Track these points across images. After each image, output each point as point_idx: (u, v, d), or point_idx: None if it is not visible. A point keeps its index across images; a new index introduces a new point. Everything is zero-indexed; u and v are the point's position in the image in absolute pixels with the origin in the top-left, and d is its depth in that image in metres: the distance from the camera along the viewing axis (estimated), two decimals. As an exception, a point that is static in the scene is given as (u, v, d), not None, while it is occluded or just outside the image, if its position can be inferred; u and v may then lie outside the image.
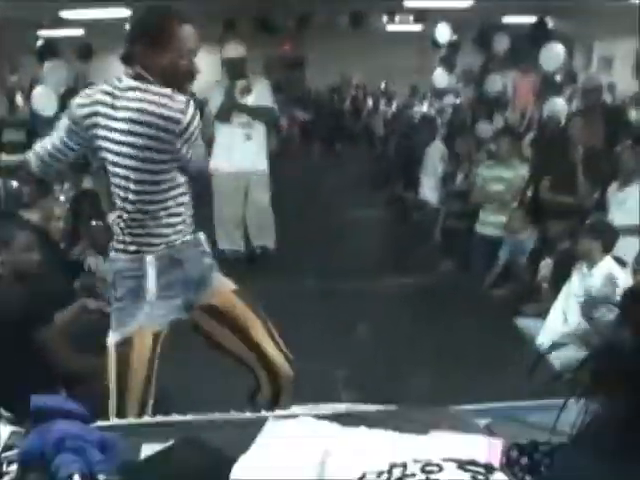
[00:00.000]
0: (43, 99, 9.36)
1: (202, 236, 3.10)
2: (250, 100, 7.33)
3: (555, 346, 4.83)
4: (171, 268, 2.95)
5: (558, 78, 10.67)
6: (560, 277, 5.74)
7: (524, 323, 5.85)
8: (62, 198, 8.20)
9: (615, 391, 0.68)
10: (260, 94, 7.38)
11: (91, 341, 3.86)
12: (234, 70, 7.38)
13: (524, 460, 1.07)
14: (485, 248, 7.45)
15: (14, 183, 8.91)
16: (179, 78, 2.89)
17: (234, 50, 7.42)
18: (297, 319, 5.41)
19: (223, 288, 3.19)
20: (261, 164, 7.55)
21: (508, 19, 13.54)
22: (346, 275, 7.14)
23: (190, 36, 2.88)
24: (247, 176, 7.50)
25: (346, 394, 4.54)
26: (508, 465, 1.09)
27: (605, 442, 0.76)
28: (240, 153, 7.40)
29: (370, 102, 17.64)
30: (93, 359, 3.84)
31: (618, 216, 6.17)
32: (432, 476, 1.55)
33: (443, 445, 1.78)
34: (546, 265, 6.27)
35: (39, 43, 10.08)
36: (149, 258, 2.90)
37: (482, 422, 2.18)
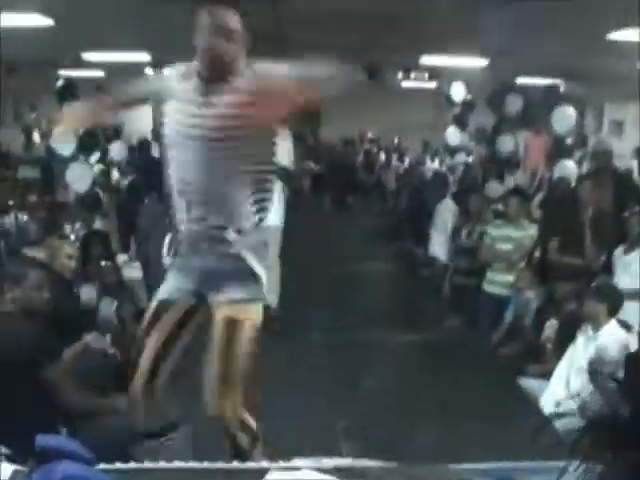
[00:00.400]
0: (62, 138, 9.47)
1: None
2: None
3: (557, 415, 4.83)
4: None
5: (569, 141, 10.76)
6: (565, 338, 5.74)
7: (528, 383, 5.83)
8: (72, 237, 8.27)
9: (613, 459, 0.70)
10: (281, 154, 7.05)
11: (92, 380, 3.90)
12: None
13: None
14: (492, 306, 7.47)
15: (24, 217, 8.99)
16: None
17: None
18: (303, 373, 5.43)
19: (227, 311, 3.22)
20: (276, 219, 7.32)
21: (522, 80, 13.70)
22: (353, 329, 7.16)
23: None
24: None
25: (350, 446, 4.52)
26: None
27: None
28: None
29: (383, 157, 17.76)
30: (95, 399, 3.86)
31: (623, 279, 6.20)
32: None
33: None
34: (551, 326, 6.27)
35: (59, 83, 10.17)
36: None
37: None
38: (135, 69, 15.11)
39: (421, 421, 5.01)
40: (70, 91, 9.86)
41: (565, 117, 9.98)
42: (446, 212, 9.05)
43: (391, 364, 6.48)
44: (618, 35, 8.75)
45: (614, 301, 5.42)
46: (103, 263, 6.89)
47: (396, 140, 19.69)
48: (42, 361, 3.59)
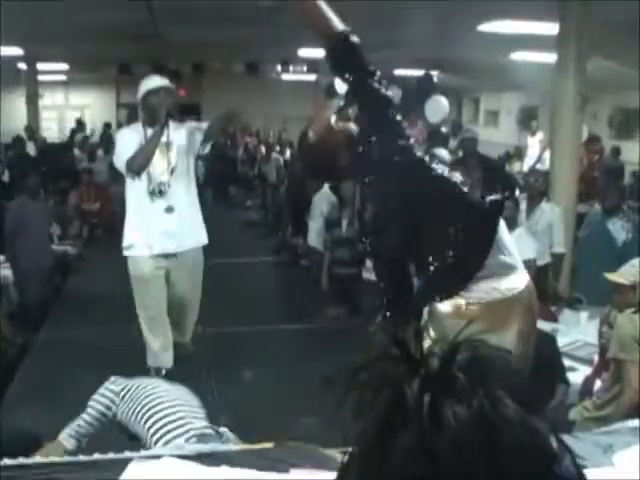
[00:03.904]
0: None
1: None
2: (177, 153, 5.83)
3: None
4: None
5: (444, 130, 11.03)
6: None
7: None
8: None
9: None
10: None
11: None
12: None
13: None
14: (372, 293, 7.57)
15: None
16: None
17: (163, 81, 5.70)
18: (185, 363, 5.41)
19: None
20: None
21: (399, 71, 13.97)
22: (234, 320, 7.15)
23: None
24: None
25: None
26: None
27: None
28: None
29: (264, 149, 17.77)
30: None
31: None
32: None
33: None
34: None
35: None
36: None
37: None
38: (7, 63, 14.71)
39: (304, 407, 5.02)
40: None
41: (438, 107, 10.22)
42: (322, 202, 9.10)
43: (274, 353, 6.50)
44: (490, 27, 9.01)
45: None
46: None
47: (277, 132, 19.75)
48: None
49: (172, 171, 5.32)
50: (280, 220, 11.86)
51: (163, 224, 5.30)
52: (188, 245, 5.46)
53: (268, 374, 5.90)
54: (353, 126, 3.05)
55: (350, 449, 0.73)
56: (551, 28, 7.66)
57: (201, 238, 5.57)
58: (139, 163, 5.16)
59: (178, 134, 5.43)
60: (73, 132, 18.44)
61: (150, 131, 5.24)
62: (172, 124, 5.35)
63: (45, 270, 8.02)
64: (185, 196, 5.44)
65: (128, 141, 5.28)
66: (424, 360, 0.71)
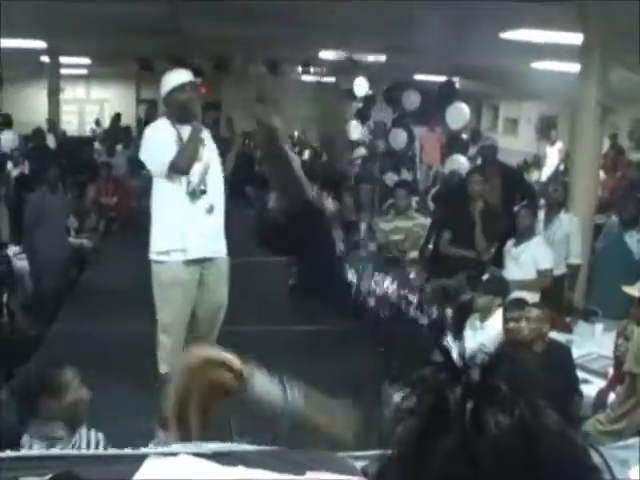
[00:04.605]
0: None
1: None
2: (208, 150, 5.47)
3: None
4: None
5: (464, 136, 11.02)
6: (459, 327, 5.90)
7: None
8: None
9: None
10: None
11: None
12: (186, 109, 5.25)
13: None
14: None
15: None
16: None
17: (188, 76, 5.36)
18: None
19: None
20: None
21: (419, 77, 13.95)
22: (246, 319, 7.14)
23: None
24: None
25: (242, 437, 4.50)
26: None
27: None
28: None
29: (282, 149, 17.80)
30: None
31: (513, 271, 6.40)
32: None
33: (316, 484, 1.82)
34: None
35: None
36: None
37: (358, 464, 2.23)
38: (30, 56, 14.79)
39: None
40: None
41: (459, 114, 10.21)
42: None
43: (285, 354, 6.49)
44: (512, 35, 8.98)
45: (504, 293, 5.59)
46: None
47: (296, 133, 19.78)
48: None
49: (208, 169, 5.15)
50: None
51: (203, 225, 5.13)
52: (223, 247, 5.33)
53: (278, 374, 5.88)
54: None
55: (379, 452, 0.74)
56: (574, 38, 7.63)
57: (225, 246, 5.41)
58: (185, 164, 5.00)
59: (206, 131, 5.29)
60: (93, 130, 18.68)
61: (182, 128, 5.09)
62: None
63: (61, 262, 8.05)
64: (221, 194, 5.28)
65: (162, 140, 5.08)
66: (466, 369, 0.72)
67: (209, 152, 5.21)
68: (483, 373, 0.71)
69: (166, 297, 5.14)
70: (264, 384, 2.12)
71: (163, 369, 5.05)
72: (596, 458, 0.69)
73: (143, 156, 5.23)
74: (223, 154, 5.33)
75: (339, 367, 5.96)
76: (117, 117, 18.21)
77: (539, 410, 0.68)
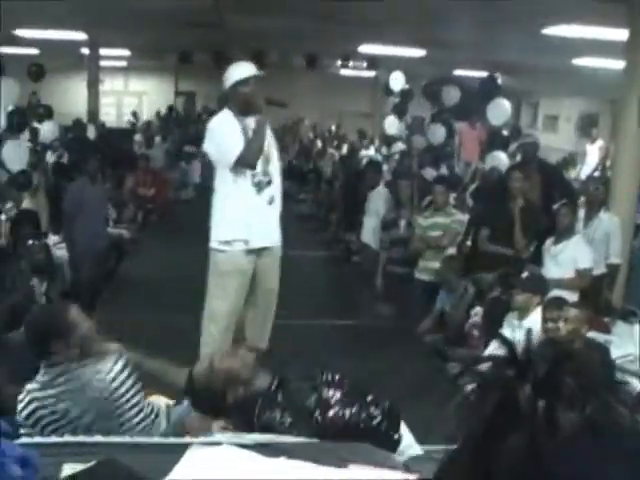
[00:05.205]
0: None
1: None
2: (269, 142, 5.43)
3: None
4: None
5: (505, 133, 10.94)
6: (490, 324, 5.86)
7: (456, 369, 5.93)
8: (3, 217, 8.15)
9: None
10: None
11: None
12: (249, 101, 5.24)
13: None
14: (423, 293, 7.57)
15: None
16: None
17: (252, 70, 5.36)
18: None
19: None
20: None
21: (458, 72, 13.87)
22: (285, 313, 7.16)
23: None
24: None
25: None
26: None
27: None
28: None
29: (319, 144, 17.80)
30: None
31: (552, 269, 6.36)
32: (346, 506, 1.59)
33: (361, 478, 1.82)
34: (477, 313, 6.39)
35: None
36: None
37: (401, 459, 2.23)
38: (71, 48, 14.93)
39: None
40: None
41: (500, 110, 10.14)
42: (379, 200, 9.11)
43: (322, 348, 6.49)
44: (554, 30, 8.89)
45: (542, 291, 5.56)
46: (31, 242, 6.80)
47: (333, 127, 19.78)
48: None
49: (269, 161, 5.21)
50: (333, 215, 11.87)
51: (266, 216, 5.20)
52: (277, 241, 5.37)
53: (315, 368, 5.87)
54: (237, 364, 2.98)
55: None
56: (618, 34, 7.54)
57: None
58: (253, 158, 5.02)
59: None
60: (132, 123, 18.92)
61: (245, 121, 5.11)
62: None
63: (100, 252, 8.12)
64: (279, 185, 5.32)
65: (228, 133, 5.09)
66: (532, 364, 0.71)
67: (269, 143, 5.25)
68: (550, 368, 0.70)
69: (223, 285, 5.20)
70: None
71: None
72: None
73: (208, 148, 5.26)
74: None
75: (396, 365, 5.98)
76: (158, 114, 18.47)
77: (609, 406, 0.67)
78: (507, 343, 0.74)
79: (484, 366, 0.74)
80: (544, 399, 0.67)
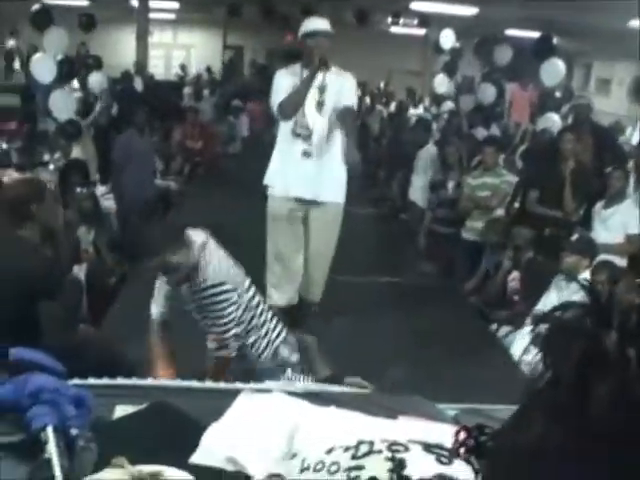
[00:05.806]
0: (42, 66, 9.32)
1: None
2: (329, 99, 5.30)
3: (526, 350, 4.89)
4: None
5: (557, 94, 10.75)
6: (530, 288, 5.84)
7: (500, 331, 5.92)
8: (52, 167, 8.23)
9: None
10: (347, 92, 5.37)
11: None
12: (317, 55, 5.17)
13: (470, 442, 1.11)
14: (469, 253, 7.53)
15: (3, 145, 8.91)
16: None
17: (323, 25, 5.31)
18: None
19: None
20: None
21: (510, 31, 13.63)
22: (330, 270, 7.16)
23: None
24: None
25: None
26: (456, 446, 1.13)
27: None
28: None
29: (368, 100, 17.67)
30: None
31: (601, 233, 6.28)
32: (398, 455, 1.59)
33: (410, 429, 1.82)
34: (514, 278, 6.36)
35: (33, 8, 9.80)
36: None
37: (450, 413, 2.23)
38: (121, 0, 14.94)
39: (395, 359, 5.02)
40: (44, 17, 9.55)
41: (554, 70, 9.94)
42: (427, 158, 9.05)
43: (367, 305, 6.50)
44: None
45: (591, 255, 5.51)
46: (79, 190, 6.86)
47: (382, 85, 19.61)
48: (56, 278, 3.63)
49: (319, 116, 5.24)
50: (380, 172, 11.81)
51: (300, 168, 5.26)
52: (325, 197, 5.36)
53: (360, 325, 5.90)
54: None
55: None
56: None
57: (338, 195, 5.47)
58: (289, 108, 5.13)
59: (338, 80, 5.27)
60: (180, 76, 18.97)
61: (306, 73, 5.19)
62: (334, 69, 5.26)
63: (148, 203, 8.17)
64: (327, 145, 5.29)
65: (283, 83, 5.23)
66: (616, 311, 0.69)
67: (329, 101, 5.26)
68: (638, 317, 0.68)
69: (272, 228, 5.48)
70: None
71: (271, 293, 5.36)
72: None
73: (271, 98, 5.38)
74: (323, 103, 5.35)
75: (438, 324, 5.99)
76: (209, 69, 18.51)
77: None
78: (589, 289, 0.72)
79: (562, 314, 0.72)
80: (633, 347, 0.65)
